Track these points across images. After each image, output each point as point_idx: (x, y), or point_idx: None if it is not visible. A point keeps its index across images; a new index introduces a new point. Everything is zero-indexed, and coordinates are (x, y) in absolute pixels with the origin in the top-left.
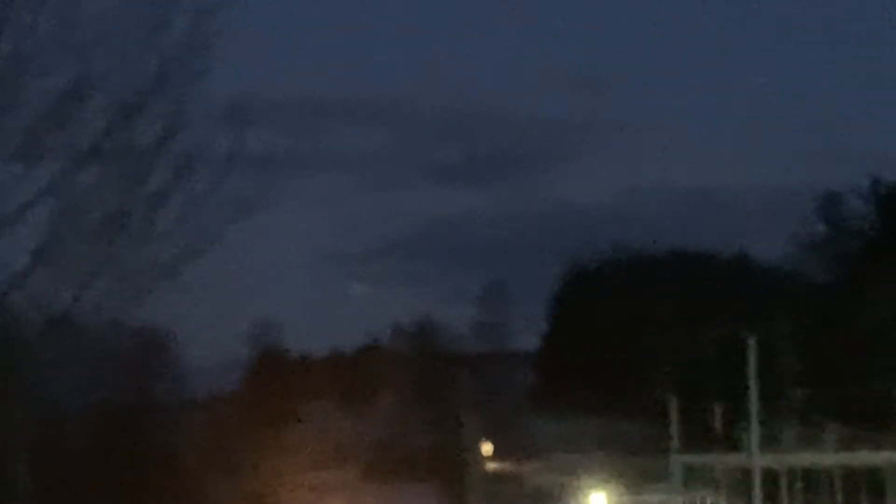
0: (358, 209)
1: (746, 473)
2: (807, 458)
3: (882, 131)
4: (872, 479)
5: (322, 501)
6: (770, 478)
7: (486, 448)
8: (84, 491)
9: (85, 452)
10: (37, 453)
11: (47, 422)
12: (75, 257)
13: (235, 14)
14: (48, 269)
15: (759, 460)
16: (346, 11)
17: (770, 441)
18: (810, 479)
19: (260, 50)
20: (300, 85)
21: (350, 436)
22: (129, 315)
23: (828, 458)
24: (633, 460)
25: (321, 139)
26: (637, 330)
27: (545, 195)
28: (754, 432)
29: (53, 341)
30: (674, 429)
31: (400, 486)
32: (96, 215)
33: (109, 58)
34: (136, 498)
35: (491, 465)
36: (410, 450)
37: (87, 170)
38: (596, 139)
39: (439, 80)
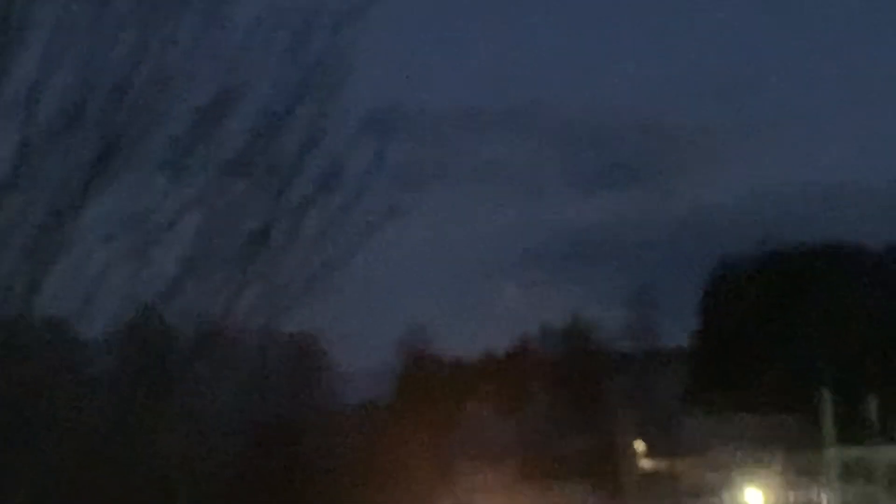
0: (503, 217)
1: None
2: None
3: None
4: None
5: (479, 503)
6: None
7: (640, 446)
8: (243, 501)
9: (241, 465)
10: (195, 467)
11: (203, 436)
12: (223, 269)
13: (379, 22)
14: (197, 282)
15: None
16: (487, 19)
17: None
18: None
19: (403, 59)
20: (443, 94)
21: (503, 438)
22: (280, 326)
23: None
24: (789, 455)
25: (464, 148)
26: (787, 324)
27: (688, 198)
28: None
29: (206, 354)
30: (828, 423)
31: (555, 485)
32: (242, 226)
33: (252, 69)
34: None
35: (645, 464)
36: (564, 450)
37: (231, 181)
38: (736, 141)
39: (579, 87)
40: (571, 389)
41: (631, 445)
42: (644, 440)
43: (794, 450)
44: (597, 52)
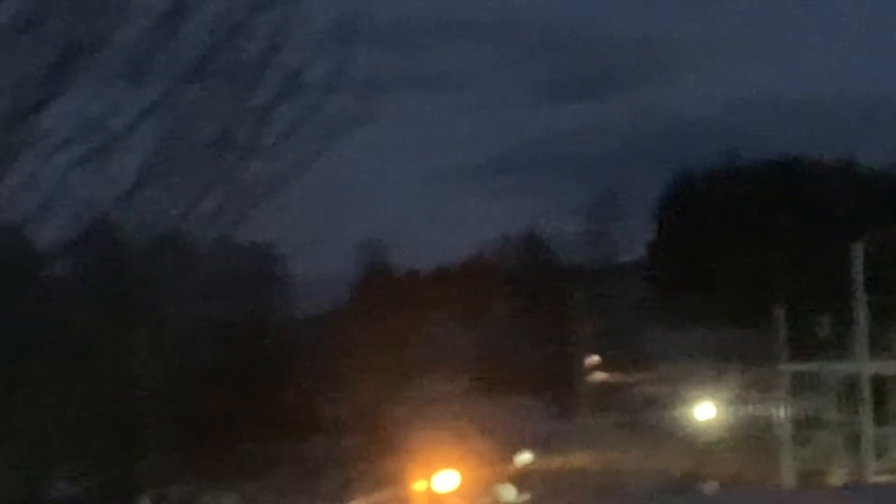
0: (465, 127)
1: (855, 381)
2: None
3: None
4: None
5: (433, 414)
6: (879, 385)
7: (596, 359)
8: (201, 405)
9: (203, 371)
10: (156, 371)
11: (161, 341)
12: (182, 175)
13: None
14: (155, 188)
15: (868, 367)
16: None
17: (878, 348)
18: None
19: None
20: (405, 4)
21: (458, 349)
22: (238, 233)
23: None
24: (742, 370)
25: (429, 57)
26: (745, 239)
27: (652, 109)
28: (862, 339)
29: (163, 260)
30: (782, 338)
31: (510, 397)
32: (202, 132)
33: None
34: (252, 411)
35: (600, 376)
36: (520, 362)
37: (192, 87)
38: (702, 53)
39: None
40: (528, 301)
41: (586, 358)
42: (600, 353)
43: (748, 364)
44: None
